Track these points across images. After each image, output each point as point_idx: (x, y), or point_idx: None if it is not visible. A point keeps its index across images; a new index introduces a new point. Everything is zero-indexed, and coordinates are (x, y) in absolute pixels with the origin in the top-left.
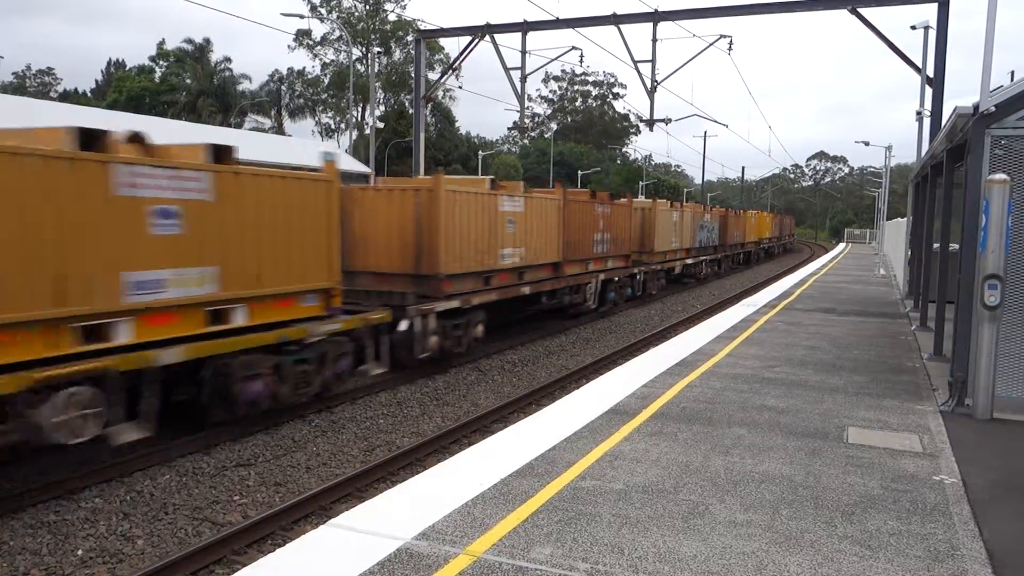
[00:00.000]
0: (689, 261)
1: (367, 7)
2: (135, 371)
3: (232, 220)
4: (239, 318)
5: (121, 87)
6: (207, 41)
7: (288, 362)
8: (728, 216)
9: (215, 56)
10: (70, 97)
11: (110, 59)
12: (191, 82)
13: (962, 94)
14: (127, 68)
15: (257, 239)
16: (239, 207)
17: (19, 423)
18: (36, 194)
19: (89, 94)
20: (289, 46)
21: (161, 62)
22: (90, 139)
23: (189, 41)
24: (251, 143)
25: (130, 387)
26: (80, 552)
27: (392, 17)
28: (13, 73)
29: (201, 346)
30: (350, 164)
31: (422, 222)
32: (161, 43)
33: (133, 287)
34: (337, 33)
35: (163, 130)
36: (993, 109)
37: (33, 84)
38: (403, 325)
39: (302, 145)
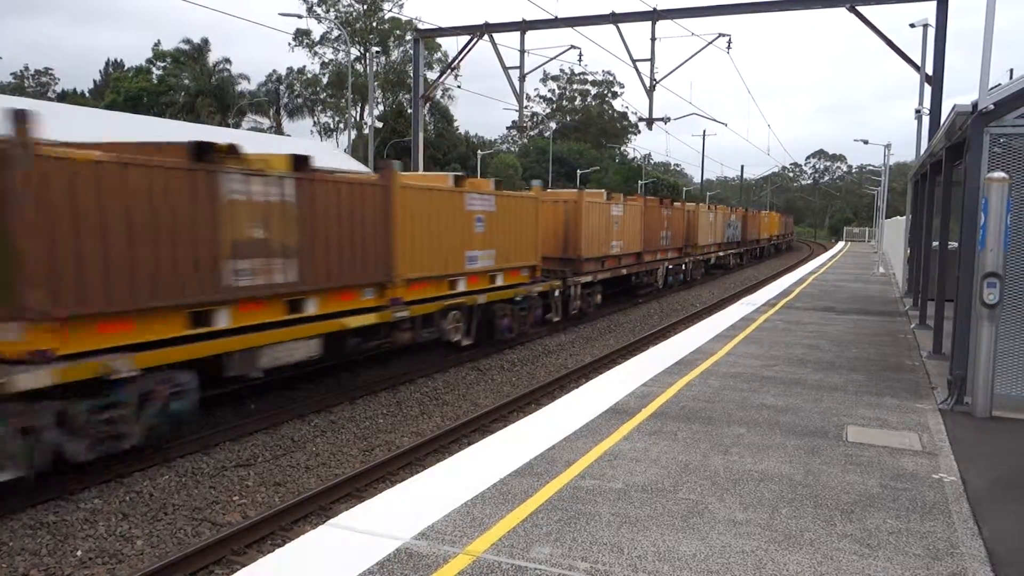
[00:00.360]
0: (720, 254)
1: (364, 6)
2: (468, 306)
3: (503, 224)
4: (500, 280)
5: (119, 87)
6: (205, 41)
7: (516, 309)
8: (747, 216)
9: (214, 56)
10: (68, 98)
11: (108, 59)
12: (189, 82)
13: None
14: (125, 68)
15: (508, 236)
16: (507, 217)
17: (434, 328)
18: (449, 213)
19: (87, 94)
20: (289, 44)
21: (159, 63)
22: (458, 181)
23: (187, 41)
24: (253, 143)
25: (467, 314)
26: (79, 553)
27: (390, 16)
28: (12, 73)
29: (490, 295)
30: (349, 164)
31: (569, 224)
32: (157, 44)
33: (467, 261)
34: (336, 32)
35: (164, 130)
36: (992, 107)
37: (31, 84)
38: (565, 290)
39: (303, 146)
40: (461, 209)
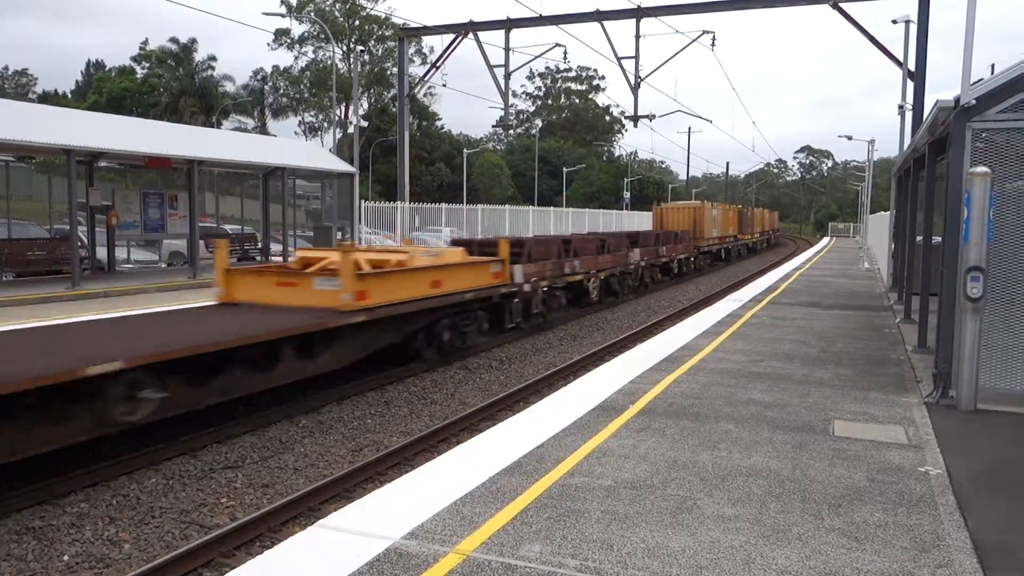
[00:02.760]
0: (722, 246)
1: (347, 6)
2: (719, 249)
3: (720, 219)
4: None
5: (101, 88)
6: (192, 41)
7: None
8: (743, 212)
9: (200, 56)
10: (50, 99)
11: (89, 60)
12: (173, 83)
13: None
14: (107, 69)
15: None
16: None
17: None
18: (709, 215)
19: (69, 95)
20: (268, 45)
21: (144, 63)
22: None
23: (174, 40)
24: (237, 143)
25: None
26: (66, 557)
27: (370, 13)
28: None
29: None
30: (334, 164)
31: (695, 221)
32: (144, 43)
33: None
34: (316, 30)
35: (153, 132)
36: (974, 102)
37: (10, 85)
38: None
39: (287, 144)
40: (711, 212)
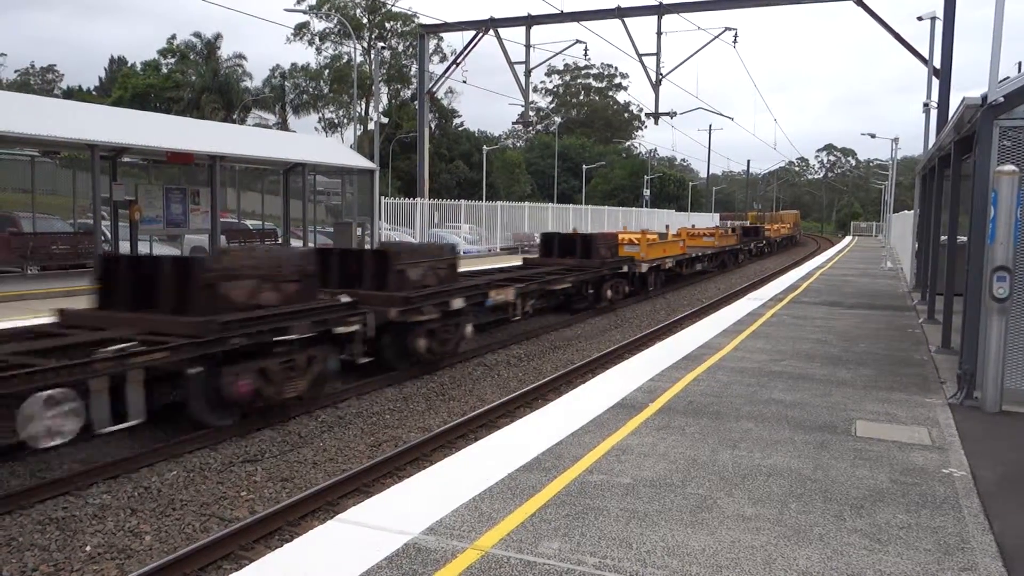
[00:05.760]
0: (760, 244)
1: (366, 1)
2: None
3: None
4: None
5: (126, 84)
6: (217, 36)
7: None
8: (771, 216)
9: (225, 52)
10: (74, 95)
11: (112, 56)
12: (195, 78)
13: (971, 85)
14: (129, 64)
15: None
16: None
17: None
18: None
19: (93, 91)
20: (288, 38)
21: (169, 57)
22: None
23: (197, 35)
24: (258, 139)
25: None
26: (89, 548)
27: (390, 10)
28: (16, 71)
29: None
30: (355, 160)
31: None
32: (172, 38)
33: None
34: (336, 24)
35: (176, 127)
36: (1002, 100)
37: (37, 81)
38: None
39: (308, 140)
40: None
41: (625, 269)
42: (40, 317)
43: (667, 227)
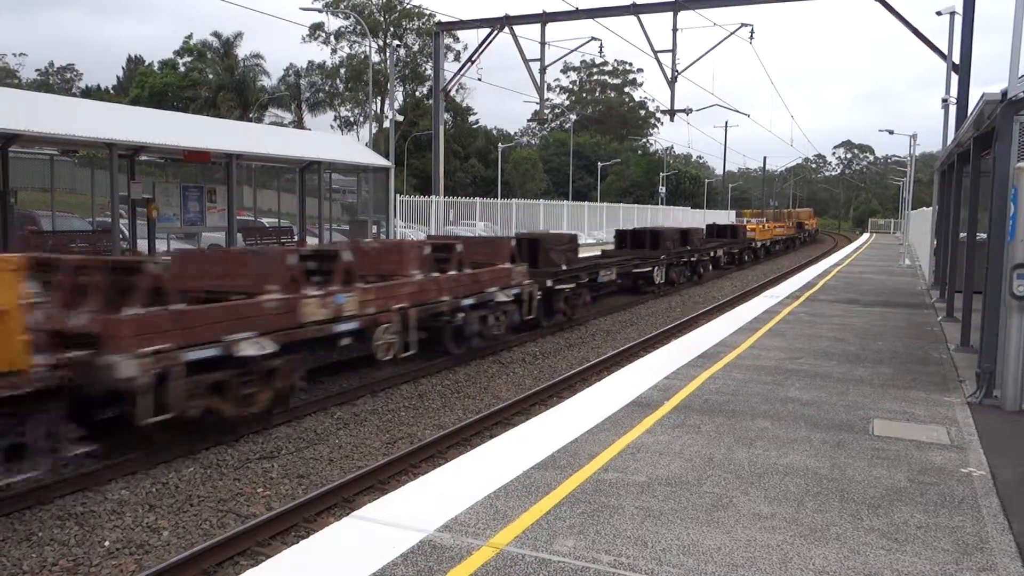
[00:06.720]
0: (803, 236)
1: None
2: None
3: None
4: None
5: (144, 83)
6: (236, 35)
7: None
8: (797, 214)
9: (242, 51)
10: (93, 94)
11: (129, 55)
12: (212, 77)
13: (991, 80)
14: (147, 63)
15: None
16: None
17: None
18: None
19: (111, 90)
20: (303, 37)
21: (187, 56)
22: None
23: (216, 35)
24: (274, 138)
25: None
26: (107, 543)
27: (405, 7)
28: (36, 70)
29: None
30: (370, 158)
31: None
32: (189, 37)
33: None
34: (352, 22)
35: (193, 126)
36: (1022, 95)
37: (56, 80)
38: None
39: (323, 139)
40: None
41: (686, 259)
42: None
43: (764, 220)
